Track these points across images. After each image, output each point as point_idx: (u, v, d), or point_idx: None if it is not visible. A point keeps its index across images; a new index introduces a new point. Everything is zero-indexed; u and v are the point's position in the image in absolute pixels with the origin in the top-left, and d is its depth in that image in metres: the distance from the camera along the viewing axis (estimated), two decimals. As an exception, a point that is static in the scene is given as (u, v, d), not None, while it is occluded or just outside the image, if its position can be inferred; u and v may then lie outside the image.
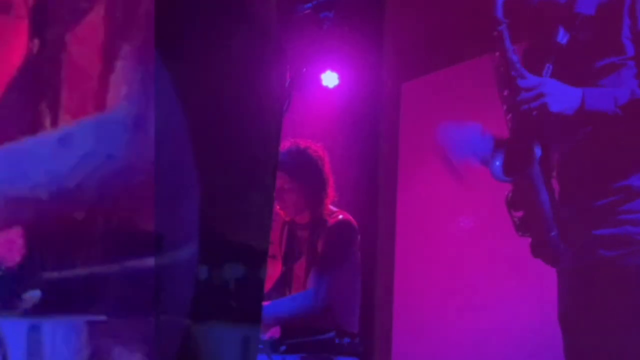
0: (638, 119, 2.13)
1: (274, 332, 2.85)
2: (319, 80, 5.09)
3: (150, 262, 1.03)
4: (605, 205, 2.19)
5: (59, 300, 1.07)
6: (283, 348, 2.76)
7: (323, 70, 5.08)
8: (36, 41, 1.21)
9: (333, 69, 5.08)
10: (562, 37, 2.24)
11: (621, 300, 2.14)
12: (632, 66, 2.19)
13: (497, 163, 2.26)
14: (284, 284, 3.18)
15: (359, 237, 3.22)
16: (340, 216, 3.18)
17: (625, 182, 2.16)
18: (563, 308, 2.33)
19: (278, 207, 3.14)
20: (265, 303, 2.89)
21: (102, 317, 1.04)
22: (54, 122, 1.14)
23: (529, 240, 2.32)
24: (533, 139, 2.21)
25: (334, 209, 3.22)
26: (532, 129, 2.21)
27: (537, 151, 2.19)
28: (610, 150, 2.19)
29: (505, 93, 2.25)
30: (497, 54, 2.26)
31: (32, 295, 1.08)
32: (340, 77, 5.10)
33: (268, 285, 3.11)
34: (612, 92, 2.16)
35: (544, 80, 2.20)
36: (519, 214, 2.30)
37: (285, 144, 3.20)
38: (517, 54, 2.25)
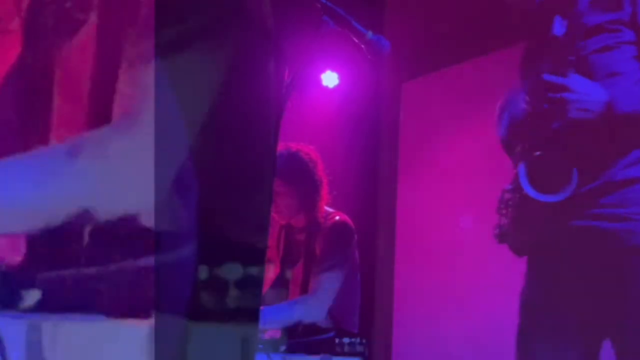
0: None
1: (274, 332, 2.86)
2: (319, 80, 5.10)
3: (149, 261, 1.03)
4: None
5: (59, 301, 1.07)
6: (283, 348, 2.77)
7: (323, 70, 5.09)
8: (29, 53, 1.20)
9: (333, 69, 5.09)
10: (559, 29, 2.17)
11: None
12: (627, 50, 2.13)
13: None
14: (280, 287, 3.18)
15: (355, 236, 3.22)
16: (337, 217, 3.18)
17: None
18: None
19: (273, 211, 3.13)
20: (266, 307, 2.89)
21: (102, 317, 1.04)
22: (46, 134, 1.14)
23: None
24: None
25: (330, 210, 3.22)
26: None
27: None
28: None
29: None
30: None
31: (32, 295, 1.08)
32: (340, 77, 5.11)
33: (264, 289, 3.11)
34: None
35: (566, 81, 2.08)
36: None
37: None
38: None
